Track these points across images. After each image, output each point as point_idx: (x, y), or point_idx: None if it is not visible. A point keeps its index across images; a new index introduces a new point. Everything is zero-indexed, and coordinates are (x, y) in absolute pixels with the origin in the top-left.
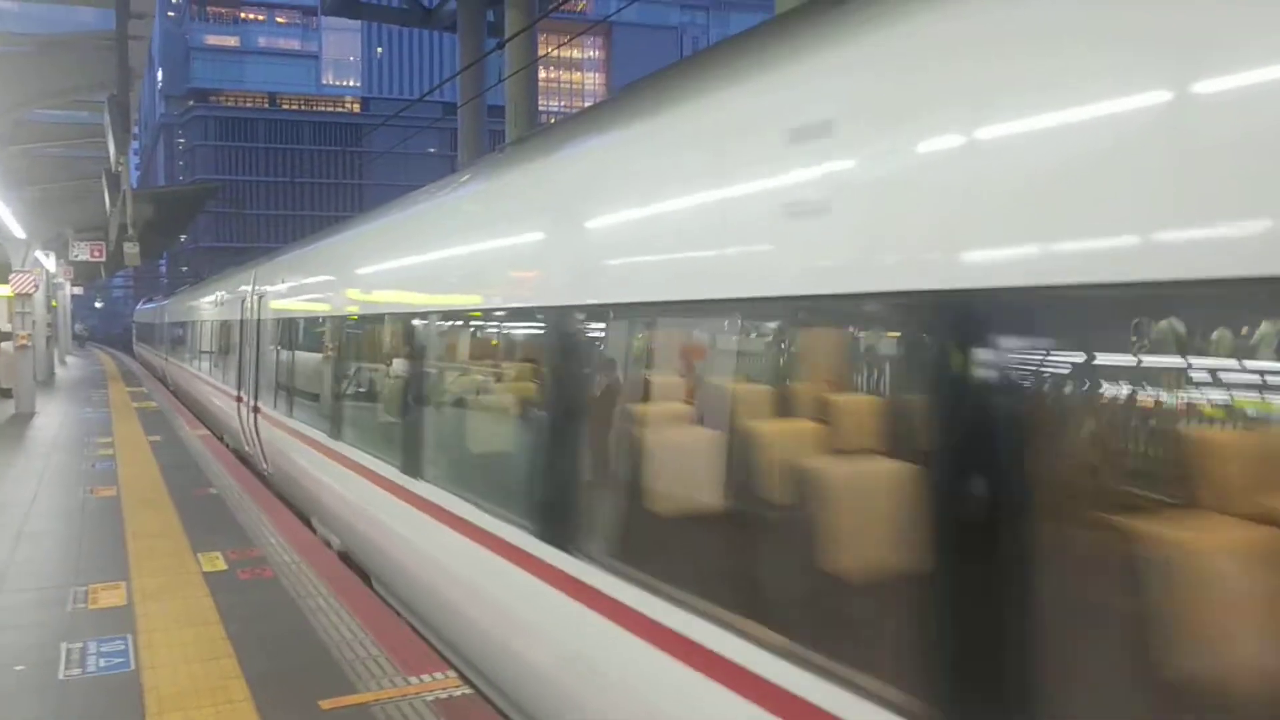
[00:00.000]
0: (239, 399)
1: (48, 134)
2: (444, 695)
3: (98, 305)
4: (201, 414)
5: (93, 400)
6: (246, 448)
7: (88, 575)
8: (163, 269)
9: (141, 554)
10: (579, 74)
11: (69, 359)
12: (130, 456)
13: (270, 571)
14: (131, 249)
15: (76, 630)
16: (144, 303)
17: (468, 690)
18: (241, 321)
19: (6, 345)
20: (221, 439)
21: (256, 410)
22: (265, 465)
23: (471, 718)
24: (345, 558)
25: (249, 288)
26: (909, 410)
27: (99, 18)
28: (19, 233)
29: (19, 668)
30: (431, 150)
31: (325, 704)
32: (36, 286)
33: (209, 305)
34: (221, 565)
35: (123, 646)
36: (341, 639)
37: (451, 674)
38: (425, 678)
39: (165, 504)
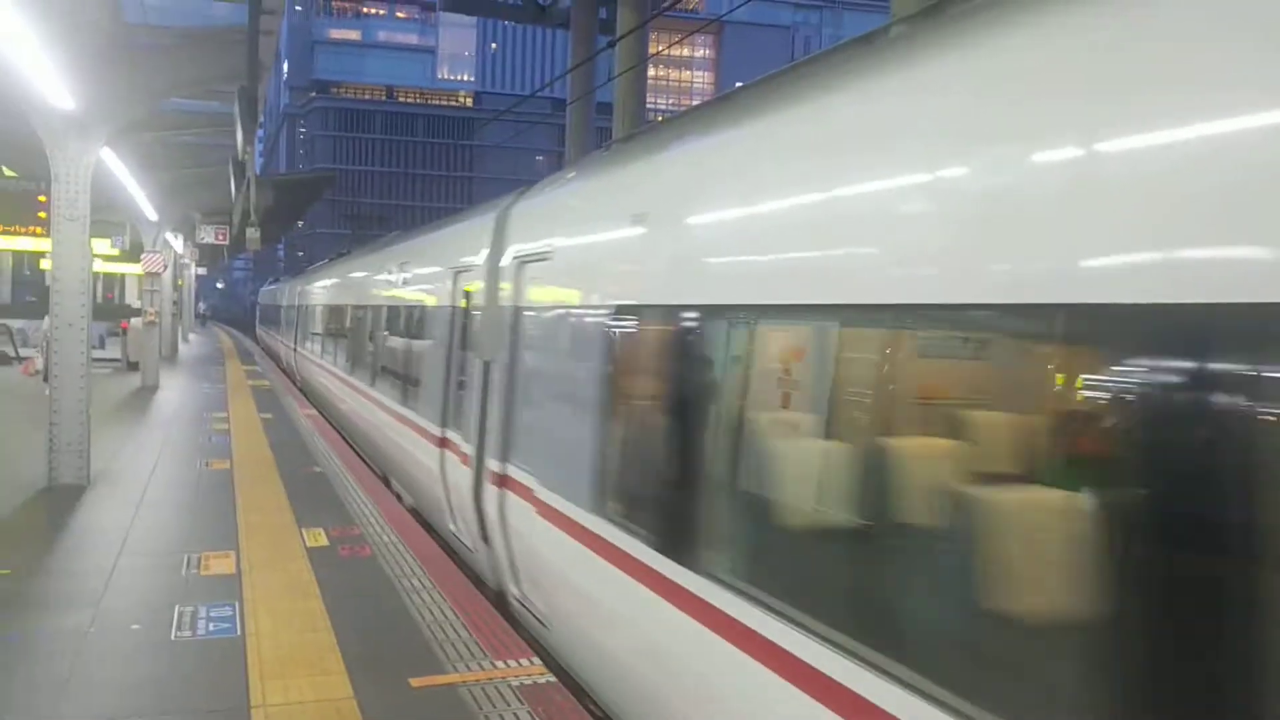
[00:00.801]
0: (443, 442)
1: (180, 122)
2: (529, 681)
3: (219, 286)
4: (357, 439)
5: (211, 377)
6: (454, 527)
7: (201, 543)
8: (280, 253)
9: (250, 526)
10: (688, 72)
11: (191, 336)
12: (243, 432)
13: (369, 550)
14: (253, 233)
15: (189, 595)
16: (270, 282)
17: (551, 678)
18: (464, 313)
19: (136, 321)
20: (388, 484)
21: (500, 482)
22: (516, 587)
23: (554, 705)
24: None
25: (483, 251)
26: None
27: (232, 12)
28: (151, 215)
29: (135, 626)
30: (538, 155)
31: (415, 681)
32: (165, 266)
33: (385, 281)
34: (324, 541)
35: (230, 613)
36: (434, 619)
37: (537, 661)
38: (511, 663)
39: (274, 479)
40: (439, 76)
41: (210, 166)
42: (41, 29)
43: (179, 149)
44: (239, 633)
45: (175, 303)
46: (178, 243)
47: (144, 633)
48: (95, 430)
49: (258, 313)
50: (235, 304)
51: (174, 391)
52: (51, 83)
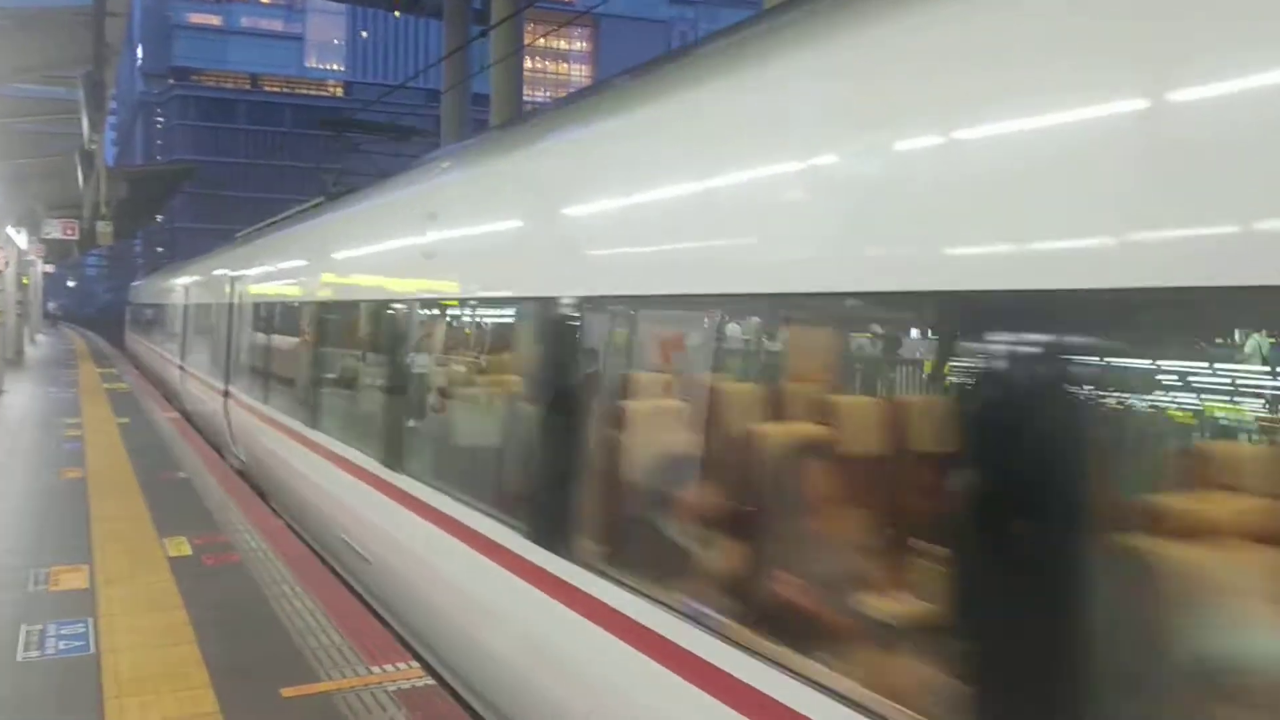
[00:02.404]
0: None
1: (21, 109)
2: (406, 685)
3: (70, 284)
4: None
5: (62, 380)
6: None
7: (50, 557)
8: (137, 248)
9: (106, 537)
10: (565, 65)
11: (39, 337)
12: (98, 438)
13: (236, 557)
14: (105, 227)
15: (36, 612)
16: (148, 275)
17: (430, 681)
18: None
19: None
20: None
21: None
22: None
23: (433, 708)
24: None
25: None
26: None
27: None
28: None
29: None
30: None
31: (287, 692)
32: (7, 264)
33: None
34: (187, 550)
35: (83, 629)
36: (305, 626)
37: (415, 664)
38: (388, 667)
39: (132, 487)
40: (307, 65)
41: (55, 156)
42: None
43: (20, 138)
44: (93, 650)
45: (20, 302)
46: (21, 238)
47: None
48: None
49: (129, 315)
50: (89, 302)
51: (20, 396)
52: None
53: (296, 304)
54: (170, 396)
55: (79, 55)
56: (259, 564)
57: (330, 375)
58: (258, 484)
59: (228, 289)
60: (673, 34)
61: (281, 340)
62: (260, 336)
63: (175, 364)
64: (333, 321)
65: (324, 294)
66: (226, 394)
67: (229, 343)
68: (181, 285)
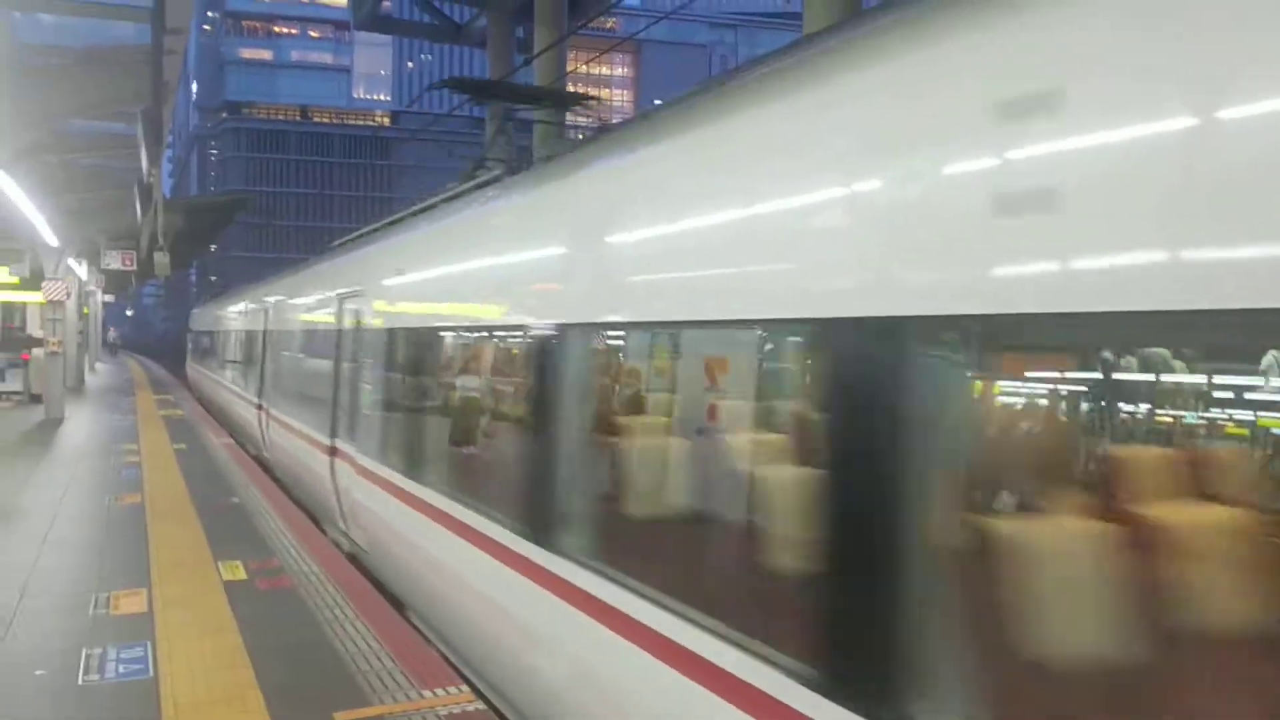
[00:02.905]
0: None
1: (83, 144)
2: (457, 710)
3: (129, 313)
4: None
5: (120, 407)
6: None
7: (110, 582)
8: (193, 278)
9: (163, 562)
10: (608, 90)
11: (99, 366)
12: (156, 464)
13: (289, 581)
14: (162, 258)
15: (98, 636)
16: (210, 298)
17: (480, 706)
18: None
19: (38, 351)
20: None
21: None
22: None
23: None
24: None
25: None
26: None
27: (136, 32)
28: (52, 240)
29: (39, 672)
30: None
31: (339, 716)
32: (68, 294)
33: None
34: (242, 574)
35: (142, 653)
36: (357, 651)
37: (465, 689)
38: (439, 692)
39: (188, 512)
40: (355, 96)
41: (116, 190)
42: None
43: (82, 172)
44: (151, 674)
45: (81, 331)
46: (82, 269)
47: (50, 678)
48: None
49: (191, 344)
50: (146, 331)
51: (81, 423)
52: None
53: (465, 332)
54: (245, 441)
55: (138, 92)
56: (312, 588)
57: (551, 448)
58: (382, 579)
59: (335, 311)
60: (713, 58)
61: (434, 384)
62: (397, 377)
63: (252, 403)
64: (545, 358)
65: (525, 318)
66: (334, 451)
67: (339, 382)
68: (259, 308)
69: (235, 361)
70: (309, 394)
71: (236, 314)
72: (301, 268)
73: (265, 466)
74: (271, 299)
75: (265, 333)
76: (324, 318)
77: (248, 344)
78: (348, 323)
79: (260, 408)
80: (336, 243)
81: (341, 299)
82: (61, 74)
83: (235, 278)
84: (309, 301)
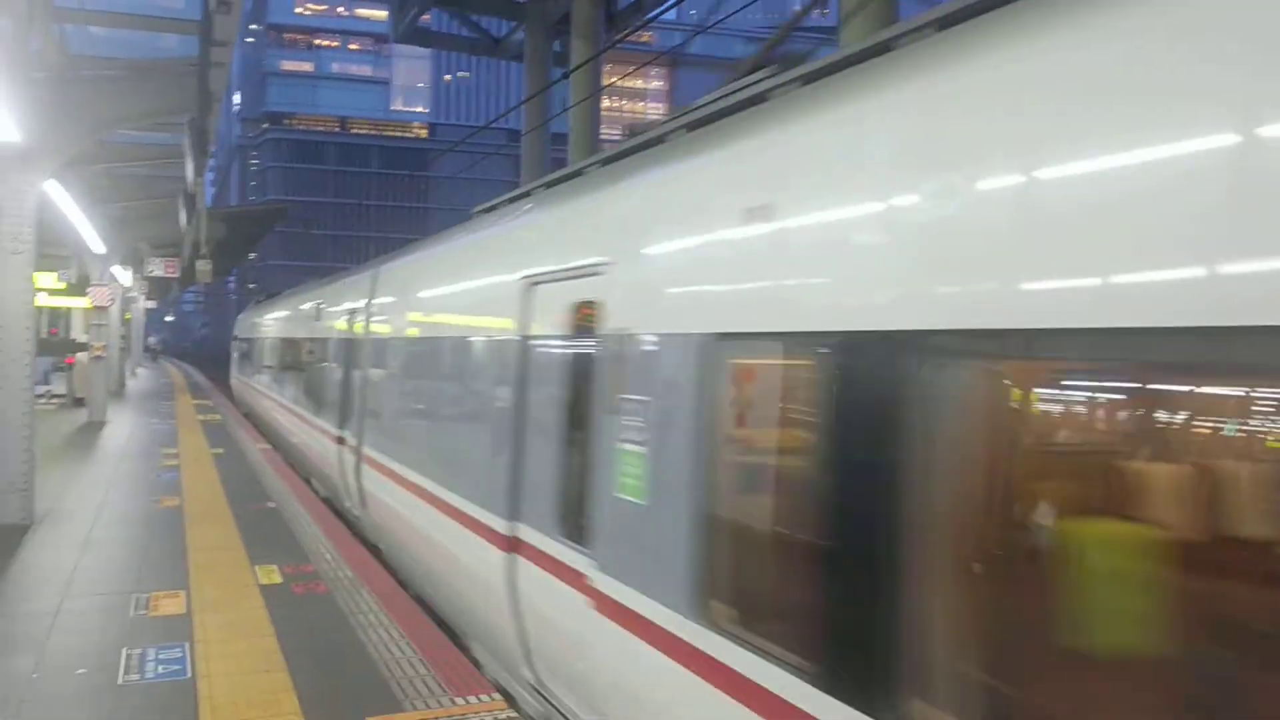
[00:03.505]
0: None
1: (129, 154)
2: (489, 718)
3: (168, 319)
4: None
5: (160, 411)
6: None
7: (149, 583)
8: (230, 285)
9: (201, 564)
10: (641, 104)
11: (140, 371)
12: (194, 468)
13: (324, 587)
14: (204, 266)
15: (138, 636)
16: (259, 302)
17: (513, 714)
18: None
19: (82, 356)
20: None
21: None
22: None
23: None
24: None
25: None
26: None
27: (182, 44)
28: (99, 248)
29: (80, 671)
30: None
31: None
32: (113, 300)
33: None
34: (277, 579)
35: (180, 654)
36: (390, 657)
37: (498, 697)
38: (471, 699)
39: (226, 516)
40: (393, 108)
41: (159, 199)
42: None
43: (128, 181)
44: (189, 675)
45: (123, 337)
46: (126, 276)
47: (90, 677)
48: (39, 468)
49: (237, 353)
50: (185, 336)
51: (122, 427)
52: None
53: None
54: (313, 477)
55: (184, 103)
56: (346, 594)
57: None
58: None
59: (521, 303)
60: None
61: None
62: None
63: (329, 433)
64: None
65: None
66: (514, 544)
67: (540, 427)
68: (349, 308)
69: (302, 376)
70: (458, 440)
71: (306, 317)
72: (428, 245)
73: (349, 523)
74: (374, 295)
75: (358, 340)
76: (496, 320)
77: (326, 354)
78: (560, 320)
79: (343, 442)
80: (484, 207)
81: (548, 283)
82: (110, 85)
83: (272, 286)
84: (459, 292)
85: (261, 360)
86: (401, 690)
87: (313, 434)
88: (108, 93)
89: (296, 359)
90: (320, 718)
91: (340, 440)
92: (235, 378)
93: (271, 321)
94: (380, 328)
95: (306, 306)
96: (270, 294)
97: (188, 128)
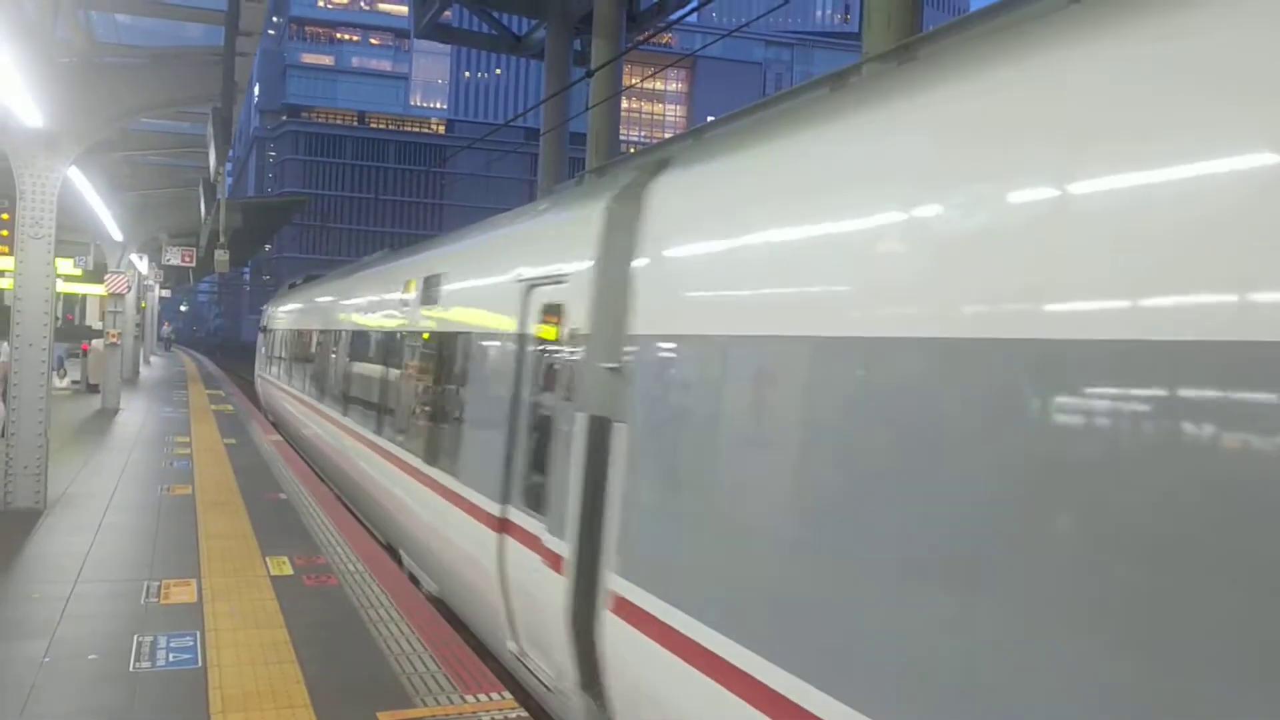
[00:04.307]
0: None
1: (149, 142)
2: (500, 716)
3: (183, 309)
4: None
5: (173, 400)
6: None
7: (161, 571)
8: (245, 276)
9: (213, 553)
10: (661, 105)
11: (154, 359)
12: (206, 457)
13: (335, 580)
14: (222, 256)
15: (149, 624)
16: (300, 286)
17: (523, 713)
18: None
19: (98, 342)
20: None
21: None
22: None
23: None
24: None
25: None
26: None
27: (206, 34)
28: (117, 235)
29: (92, 656)
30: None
31: (383, 716)
32: (129, 288)
33: None
34: (288, 570)
35: (191, 643)
36: (401, 652)
37: (508, 695)
38: (482, 697)
39: (237, 506)
40: (412, 103)
41: (178, 188)
42: (12, 45)
43: (147, 169)
44: (200, 664)
45: (138, 325)
46: (142, 264)
47: (101, 663)
48: (53, 453)
49: (266, 350)
50: (200, 326)
51: (135, 414)
52: (21, 99)
53: None
54: (432, 575)
55: (207, 92)
56: (357, 587)
57: None
58: None
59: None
60: (767, 75)
61: None
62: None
63: (474, 508)
64: None
65: None
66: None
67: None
68: (443, 294)
69: (362, 391)
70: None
71: (362, 309)
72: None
73: (439, 598)
74: (491, 279)
75: (457, 337)
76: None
77: (387, 362)
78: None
79: (507, 528)
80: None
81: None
82: (135, 73)
83: (288, 278)
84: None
85: (310, 363)
86: (412, 686)
87: (425, 495)
88: (132, 80)
89: (386, 369)
90: (330, 711)
91: (502, 525)
92: (262, 378)
93: (304, 314)
94: (444, 313)
95: (343, 297)
96: (306, 277)
97: (211, 117)
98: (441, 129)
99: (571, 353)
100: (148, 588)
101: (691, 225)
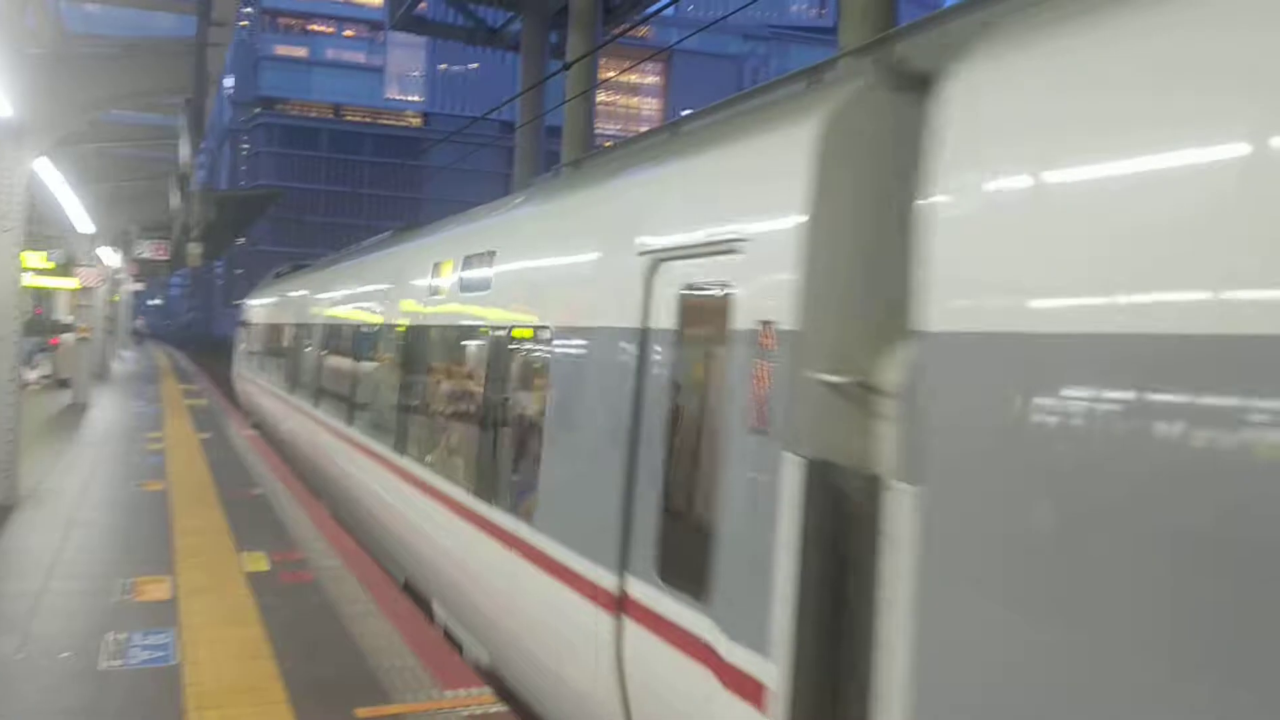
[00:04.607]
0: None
1: (120, 134)
2: (479, 712)
3: (155, 303)
4: None
5: (145, 395)
6: None
7: (134, 567)
8: (218, 270)
9: (187, 550)
10: (636, 98)
11: (125, 354)
12: (179, 453)
13: (311, 576)
14: (195, 249)
15: (122, 621)
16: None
17: (502, 708)
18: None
19: (68, 337)
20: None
21: None
22: None
23: None
24: None
25: None
26: None
27: (179, 24)
28: (88, 228)
29: (64, 654)
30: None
31: (361, 712)
32: (101, 281)
33: None
34: (264, 566)
35: (166, 640)
36: (378, 648)
37: (487, 690)
38: (461, 692)
39: (212, 501)
40: (387, 96)
41: (150, 180)
42: None
43: (118, 161)
44: (175, 661)
45: (109, 319)
46: (114, 257)
47: (74, 660)
48: (23, 449)
49: (244, 345)
50: (172, 321)
51: (106, 409)
52: None
53: None
54: (493, 647)
55: (179, 83)
56: (333, 583)
57: None
58: None
59: None
60: (744, 70)
61: None
62: None
63: (462, 504)
64: None
65: None
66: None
67: None
68: (498, 279)
69: (432, 404)
70: None
71: (433, 290)
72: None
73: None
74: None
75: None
76: None
77: (460, 364)
78: None
79: (625, 607)
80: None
81: None
82: (106, 63)
83: (260, 272)
84: None
85: (309, 365)
86: (390, 682)
87: (481, 543)
88: (103, 71)
89: (413, 376)
90: (308, 707)
91: (619, 604)
92: (245, 379)
93: (303, 304)
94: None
95: (370, 280)
96: (298, 264)
97: (184, 108)
98: (418, 122)
99: (759, 356)
100: (121, 584)
101: (1083, 136)
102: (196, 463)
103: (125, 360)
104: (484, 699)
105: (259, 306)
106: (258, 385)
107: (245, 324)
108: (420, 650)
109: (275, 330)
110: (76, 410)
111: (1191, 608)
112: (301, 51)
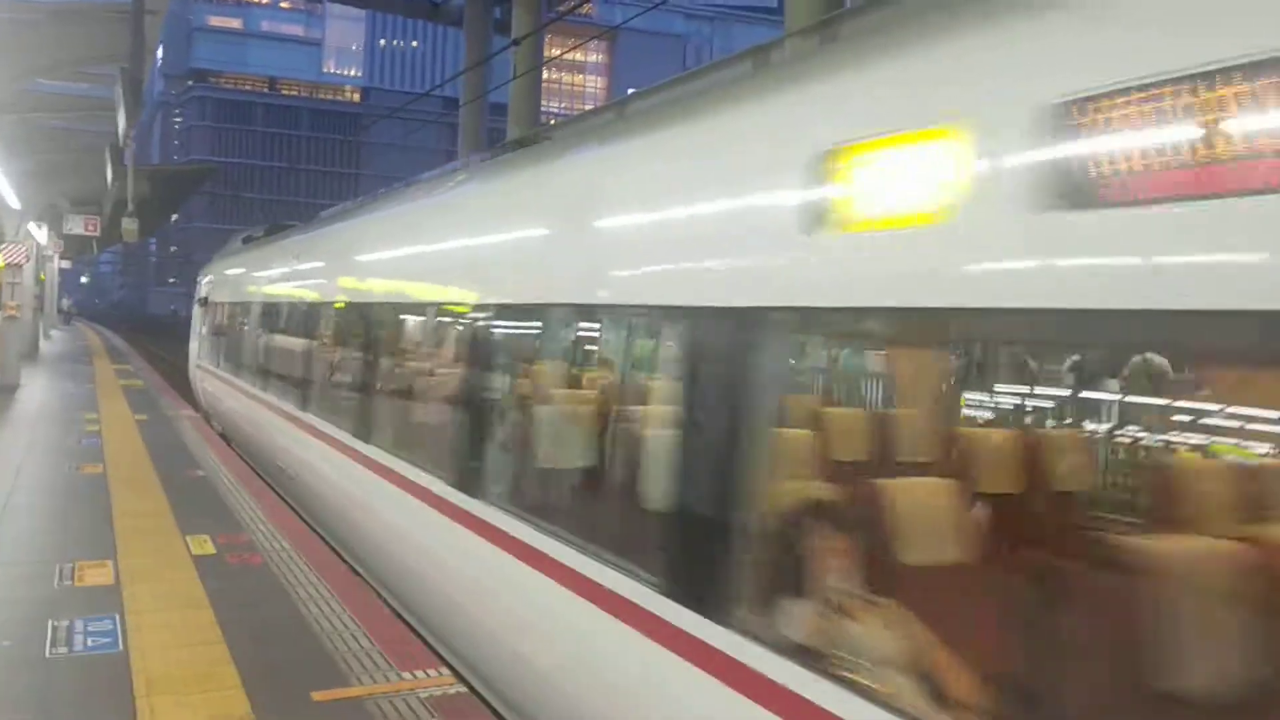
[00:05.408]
0: None
1: (48, 105)
2: (438, 693)
3: (84, 280)
4: None
5: (78, 375)
6: None
7: (74, 552)
8: (152, 247)
9: (128, 533)
10: (581, 76)
11: (54, 333)
12: (117, 434)
13: (259, 558)
14: (130, 224)
15: (64, 607)
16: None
17: (461, 689)
18: None
19: None
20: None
21: None
22: None
23: (465, 716)
24: None
25: None
26: None
27: None
28: (14, 203)
29: (4, 643)
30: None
31: (318, 695)
32: (28, 258)
33: None
34: (210, 549)
35: (110, 626)
36: (333, 630)
37: (445, 672)
38: (419, 674)
39: (152, 484)
40: (325, 70)
41: (80, 153)
42: None
43: (45, 133)
44: (121, 648)
45: (37, 297)
46: (41, 233)
47: (16, 649)
48: None
49: (201, 326)
50: (103, 299)
51: (37, 391)
52: None
53: None
54: None
55: (111, 52)
56: (283, 565)
57: None
58: None
59: None
60: (688, 49)
61: None
62: None
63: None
64: None
65: None
66: None
67: None
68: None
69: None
70: None
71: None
72: None
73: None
74: None
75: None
76: None
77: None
78: None
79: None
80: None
81: None
82: (31, 31)
83: (198, 250)
84: None
85: (247, 346)
86: (346, 664)
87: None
88: (28, 39)
89: (472, 371)
90: (264, 692)
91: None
92: (202, 370)
93: (293, 277)
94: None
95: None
96: (274, 225)
97: (120, 77)
98: (357, 97)
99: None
100: (60, 570)
101: None
102: (135, 444)
103: (54, 340)
104: (443, 680)
105: (233, 280)
106: (235, 388)
107: (202, 302)
108: (375, 632)
109: (269, 312)
110: (4, 392)
111: None
112: (236, 23)
